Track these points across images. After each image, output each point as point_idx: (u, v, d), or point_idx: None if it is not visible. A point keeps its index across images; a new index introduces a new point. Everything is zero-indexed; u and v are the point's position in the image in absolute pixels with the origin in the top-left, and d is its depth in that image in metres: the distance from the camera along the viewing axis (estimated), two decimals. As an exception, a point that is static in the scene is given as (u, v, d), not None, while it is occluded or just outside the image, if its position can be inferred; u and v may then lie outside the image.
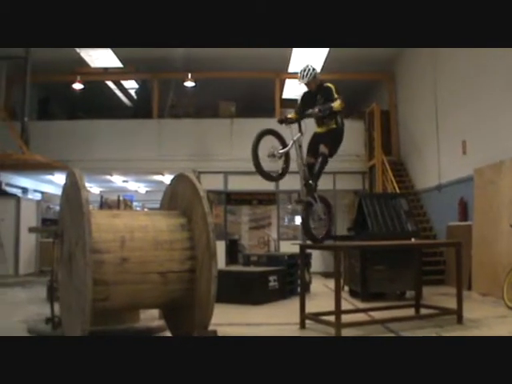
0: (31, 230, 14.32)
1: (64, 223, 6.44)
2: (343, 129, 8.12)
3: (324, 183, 18.66)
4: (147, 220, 6.28)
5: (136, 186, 26.32)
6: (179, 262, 6.06)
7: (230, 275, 10.50)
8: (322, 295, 11.58)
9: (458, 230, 13.11)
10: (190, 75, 18.24)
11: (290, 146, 7.69)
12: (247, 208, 21.52)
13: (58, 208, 21.10)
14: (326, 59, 18.75)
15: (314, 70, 7.99)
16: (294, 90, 21.63)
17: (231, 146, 18.30)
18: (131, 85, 21.58)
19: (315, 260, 13.90)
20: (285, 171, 7.94)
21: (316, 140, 8.11)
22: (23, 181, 21.98)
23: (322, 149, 7.89)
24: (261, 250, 19.80)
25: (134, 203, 26.73)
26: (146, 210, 25.89)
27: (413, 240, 10.66)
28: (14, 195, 18.77)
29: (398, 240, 9.93)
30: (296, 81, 7.96)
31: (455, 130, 14.08)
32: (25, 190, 22.16)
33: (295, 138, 7.75)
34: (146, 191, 27.64)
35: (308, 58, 18.68)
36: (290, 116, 8.12)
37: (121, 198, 21.43)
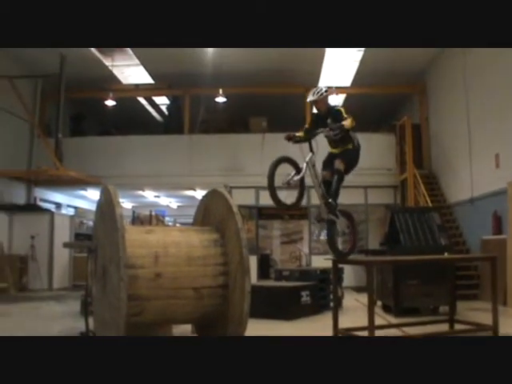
0: (66, 245, 14.49)
1: (98, 239, 6.51)
2: (359, 150, 8.18)
3: (355, 197, 18.92)
4: (180, 236, 6.32)
5: (167, 201, 26.48)
6: (212, 278, 6.08)
7: (262, 290, 10.48)
8: (354, 310, 11.51)
9: (493, 243, 12.94)
10: (220, 91, 18.36)
11: (304, 169, 7.62)
12: (279, 223, 21.52)
13: (90, 223, 21.48)
14: (357, 73, 18.75)
15: (326, 91, 7.82)
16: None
17: (262, 161, 18.23)
18: (162, 101, 21.80)
19: (347, 274, 13.83)
20: (299, 199, 7.91)
21: (331, 157, 8.14)
22: (57, 196, 22.28)
23: (338, 165, 7.92)
24: (292, 264, 19.75)
25: (166, 218, 26.87)
26: (177, 225, 26.04)
27: (446, 254, 10.55)
28: (48, 210, 19.01)
29: (430, 254, 9.83)
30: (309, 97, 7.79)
31: (488, 143, 13.94)
32: (58, 206, 22.46)
33: (307, 159, 7.72)
34: (178, 206, 27.78)
35: (338, 72, 18.74)
36: (297, 134, 8.11)
37: (153, 213, 21.57)
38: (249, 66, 18.33)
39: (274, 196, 7.41)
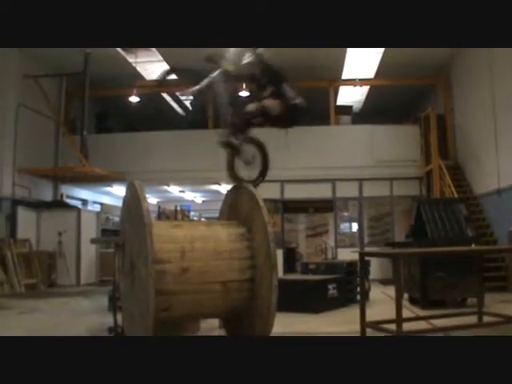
0: (93, 241, 14.62)
1: (125, 234, 6.56)
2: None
3: (380, 189, 18.83)
4: (207, 230, 6.35)
5: (192, 196, 26.55)
6: (239, 272, 6.10)
7: (288, 284, 10.47)
8: (381, 303, 11.45)
9: (521, 234, 12.83)
10: (244, 85, 18.34)
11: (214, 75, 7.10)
12: (304, 216, 21.51)
13: (116, 219, 21.63)
14: (380, 65, 18.64)
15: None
16: (348, 97, 21.60)
17: (287, 155, 18.31)
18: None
19: (373, 267, 13.77)
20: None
21: None
22: (83, 193, 22.45)
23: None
24: (318, 257, 19.72)
25: (191, 213, 26.96)
26: (203, 219, 26.12)
27: (473, 246, 10.46)
28: (74, 207, 19.19)
29: (457, 246, 9.76)
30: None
31: (515, 133, 13.81)
32: (84, 202, 22.63)
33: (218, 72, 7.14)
34: (203, 201, 27.84)
35: (361, 65, 18.65)
36: None
37: (178, 208, 21.65)
38: (271, 60, 18.25)
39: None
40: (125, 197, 6.67)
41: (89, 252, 17.53)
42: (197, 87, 7.05)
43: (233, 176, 7.32)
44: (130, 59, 18.08)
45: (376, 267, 16.26)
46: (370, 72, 19.49)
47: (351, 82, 20.10)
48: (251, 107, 7.14)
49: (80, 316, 10.14)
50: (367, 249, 18.12)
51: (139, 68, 18.44)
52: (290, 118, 7.37)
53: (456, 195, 15.90)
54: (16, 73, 17.10)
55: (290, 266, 19.03)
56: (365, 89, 21.29)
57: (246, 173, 7.25)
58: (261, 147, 7.57)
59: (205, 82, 7.04)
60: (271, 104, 7.16)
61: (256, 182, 7.30)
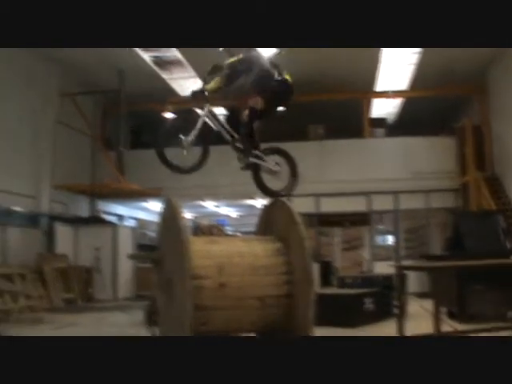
0: (130, 256, 14.78)
1: (162, 250, 6.61)
2: (281, 81, 7.45)
3: (416, 202, 18.65)
4: (244, 245, 6.36)
5: (227, 211, 26.64)
6: (276, 287, 6.09)
7: (325, 298, 10.43)
8: (418, 317, 11.31)
9: (561, 247, 12.58)
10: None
11: (198, 125, 6.98)
12: (339, 229, 21.41)
13: (152, 234, 21.75)
14: (413, 76, 18.54)
15: None
16: (381, 109, 21.49)
17: (321, 168, 18.32)
18: (220, 111, 21.95)
19: (410, 280, 13.63)
20: (201, 161, 7.17)
21: None
22: (119, 208, 22.70)
23: (254, 103, 7.25)
24: (354, 271, 19.59)
25: (227, 227, 27.03)
26: (238, 234, 26.15)
27: (512, 258, 10.31)
28: (111, 223, 19.40)
29: (495, 259, 9.61)
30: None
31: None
32: (120, 217, 22.86)
33: (204, 112, 7.09)
34: (238, 215, 27.91)
35: (394, 76, 18.57)
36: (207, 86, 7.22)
37: (214, 223, 21.73)
38: (305, 73, 18.28)
39: (163, 159, 6.92)
40: (161, 213, 6.73)
41: (125, 267, 17.67)
42: (192, 133, 6.96)
43: (266, 192, 7.35)
44: (164, 75, 18.28)
45: (413, 280, 16.06)
46: (403, 83, 19.39)
47: (385, 94, 20.02)
48: (242, 118, 7.29)
49: (118, 330, 10.21)
50: (403, 262, 17.94)
51: (173, 84, 18.62)
52: (279, 98, 7.54)
53: (494, 207, 15.69)
54: (53, 91, 17.42)
55: (325, 280, 18.94)
56: (398, 100, 21.18)
57: (280, 183, 7.30)
58: (281, 152, 7.63)
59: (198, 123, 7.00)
60: (253, 102, 7.19)
61: (290, 188, 7.36)
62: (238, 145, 7.16)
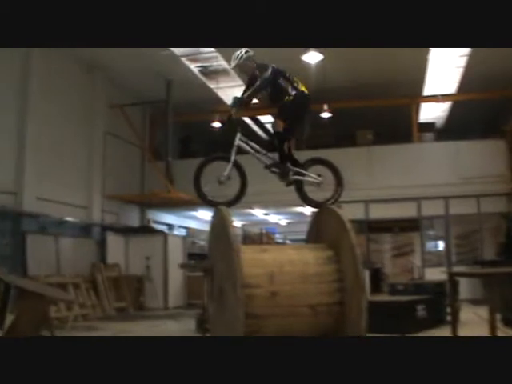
0: (182, 266, 14.94)
1: (213, 259, 6.66)
2: (299, 98, 7.23)
3: (467, 207, 18.34)
4: (295, 254, 6.36)
5: (277, 218, 26.65)
6: (328, 295, 6.07)
7: (376, 305, 10.33)
8: (472, 324, 11.10)
9: None
10: (325, 106, 18.36)
11: (232, 158, 7.00)
12: (389, 236, 21.21)
13: (202, 243, 21.89)
14: (462, 79, 18.30)
15: (246, 52, 7.17)
16: (430, 113, 21.26)
17: (370, 174, 18.18)
18: (268, 119, 22.01)
19: (462, 286, 13.40)
20: (239, 194, 7.25)
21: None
22: (169, 217, 22.94)
23: (274, 127, 7.30)
24: (404, 277, 19.38)
25: (276, 235, 27.05)
26: (288, 241, 26.15)
27: None
28: (161, 232, 19.58)
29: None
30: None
31: None
32: (170, 227, 23.09)
33: (236, 142, 7.12)
34: (287, 223, 27.89)
35: (442, 80, 18.36)
36: (233, 112, 7.17)
37: (263, 231, 21.77)
38: (352, 79, 18.25)
39: (203, 198, 7.02)
40: (212, 222, 6.78)
41: (176, 276, 17.84)
42: (228, 168, 7.03)
43: (311, 205, 7.42)
44: (211, 85, 18.43)
45: (465, 286, 15.81)
46: (451, 87, 19.15)
47: (433, 98, 19.78)
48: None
49: (170, 339, 10.29)
50: (455, 268, 17.67)
51: (220, 93, 18.75)
52: (297, 112, 7.32)
53: (548, 211, 15.35)
54: (102, 103, 17.75)
55: (376, 287, 18.78)
56: (447, 104, 20.91)
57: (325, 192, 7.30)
58: (323, 162, 7.60)
59: (232, 156, 7.03)
60: (276, 126, 7.27)
61: (336, 197, 7.34)
62: (274, 169, 7.25)
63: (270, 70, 7.05)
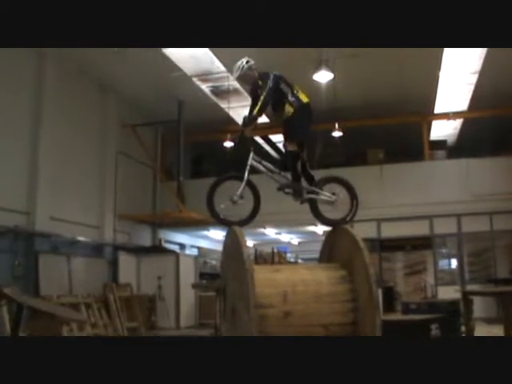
0: (194, 286, 14.91)
1: (226, 279, 6.64)
2: (303, 109, 7.15)
3: (479, 224, 18.24)
4: (308, 273, 6.33)
5: (289, 238, 26.61)
6: (341, 315, 6.04)
7: (389, 324, 10.25)
8: (487, 343, 11.00)
9: None
10: (336, 125, 18.37)
11: (245, 178, 6.97)
12: (401, 254, 21.11)
13: (214, 262, 21.87)
14: (473, 96, 18.30)
15: (247, 62, 7.14)
16: (441, 131, 21.24)
17: (382, 193, 18.15)
18: (279, 139, 22.04)
19: (476, 305, 13.27)
20: (252, 214, 7.21)
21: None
22: (180, 237, 22.95)
23: (286, 147, 7.25)
24: (417, 296, 19.26)
25: (288, 254, 26.98)
26: (300, 261, 26.07)
27: None
28: (173, 251, 19.58)
29: None
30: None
31: None
32: (182, 246, 23.10)
33: (249, 162, 7.10)
34: (299, 242, 27.84)
35: (453, 97, 18.37)
36: (247, 130, 7.18)
37: (275, 250, 21.72)
38: (362, 98, 18.28)
39: (216, 217, 7.01)
40: (225, 242, 6.78)
41: (188, 295, 17.80)
42: (241, 188, 7.00)
43: (326, 223, 7.35)
44: (223, 105, 18.51)
45: (479, 305, 15.68)
46: (462, 104, 19.15)
47: (444, 115, 19.78)
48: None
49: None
50: (468, 286, 17.55)
51: (232, 113, 18.82)
52: (303, 125, 7.26)
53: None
54: (115, 122, 17.87)
55: (389, 306, 18.67)
56: (458, 122, 20.89)
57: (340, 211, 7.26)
58: (337, 180, 7.52)
59: (245, 176, 7.02)
60: (287, 146, 7.22)
61: (351, 214, 7.26)
62: (287, 190, 7.19)
63: (271, 78, 7.01)
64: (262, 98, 6.96)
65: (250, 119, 7.04)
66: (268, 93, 6.93)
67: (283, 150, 7.45)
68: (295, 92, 7.14)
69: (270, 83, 6.96)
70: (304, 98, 7.18)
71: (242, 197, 6.94)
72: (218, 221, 7.04)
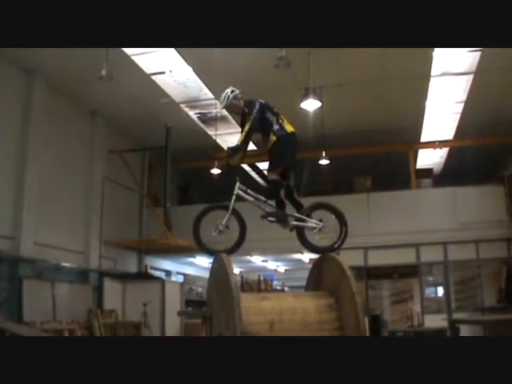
0: (180, 313, 14.76)
1: (212, 306, 6.61)
2: (286, 136, 7.21)
3: (466, 252, 18.26)
4: (295, 301, 6.32)
5: (275, 265, 26.55)
6: (329, 343, 6.01)
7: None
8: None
9: None
10: (323, 153, 18.42)
11: (230, 208, 7.05)
12: (388, 282, 21.08)
13: (200, 289, 21.71)
14: (459, 126, 18.46)
15: (232, 91, 7.24)
16: (427, 159, 21.38)
17: (369, 221, 18.16)
18: (265, 166, 22.07)
19: (463, 333, 13.29)
20: (238, 243, 7.24)
21: None
22: (166, 264, 22.83)
23: (268, 176, 7.36)
24: (404, 324, 19.20)
25: (275, 282, 26.90)
26: (286, 288, 26.00)
27: None
28: (158, 278, 19.43)
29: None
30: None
31: None
32: (168, 273, 22.96)
33: (235, 192, 7.17)
34: (285, 270, 27.78)
35: (439, 126, 18.53)
36: (233, 159, 7.30)
37: (261, 278, 21.66)
38: (349, 126, 18.38)
39: (202, 246, 7.11)
40: (211, 269, 6.75)
41: (173, 322, 17.62)
42: (226, 217, 7.10)
43: (314, 251, 7.37)
44: (210, 132, 18.55)
45: (466, 333, 15.69)
46: (448, 133, 19.31)
47: (431, 144, 19.92)
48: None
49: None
50: (455, 314, 17.54)
51: (219, 140, 18.85)
52: (288, 154, 7.35)
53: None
54: (102, 148, 17.82)
55: (375, 334, 18.58)
56: (444, 150, 21.04)
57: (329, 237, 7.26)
58: (324, 206, 7.56)
59: (231, 205, 7.12)
60: (269, 175, 7.31)
61: (340, 240, 7.29)
62: (270, 219, 7.22)
63: (257, 107, 7.07)
64: (246, 127, 6.99)
65: (234, 150, 7.06)
66: (253, 122, 6.97)
67: (269, 178, 7.44)
68: (280, 121, 7.18)
69: (254, 112, 7.00)
70: (289, 128, 7.21)
71: (227, 226, 6.94)
72: (204, 250, 7.04)
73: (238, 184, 7.21)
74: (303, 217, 7.19)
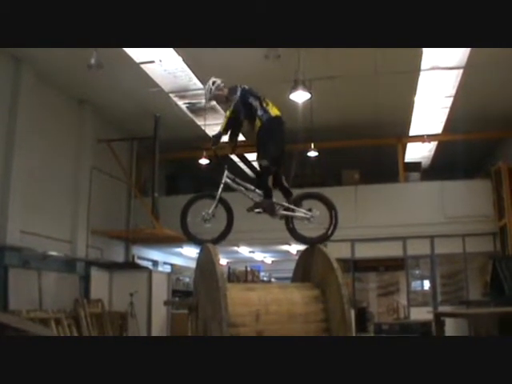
0: (166, 303, 14.73)
1: (198, 296, 6.60)
2: (270, 120, 7.14)
3: (453, 246, 18.34)
4: (281, 293, 6.32)
5: (262, 256, 26.56)
6: (314, 334, 6.02)
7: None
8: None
9: None
10: (312, 145, 18.41)
11: (218, 195, 7.06)
12: (374, 275, 21.15)
13: (187, 279, 21.71)
14: (447, 120, 18.50)
15: (214, 83, 7.23)
16: (416, 153, 21.42)
17: (356, 214, 18.18)
18: (254, 157, 22.03)
19: (448, 326, 13.33)
20: (226, 231, 7.25)
21: None
22: (154, 253, 22.79)
23: (257, 161, 7.33)
24: (390, 317, 19.30)
25: (261, 273, 26.94)
26: (273, 280, 26.04)
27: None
28: (146, 268, 19.42)
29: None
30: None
31: None
32: (155, 263, 22.92)
33: (222, 180, 7.18)
34: (272, 261, 27.80)
35: (428, 120, 18.56)
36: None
37: (248, 269, 21.67)
38: (338, 119, 18.38)
39: (188, 235, 7.11)
40: (198, 259, 6.74)
41: (160, 312, 17.61)
42: (213, 206, 7.11)
43: (302, 241, 7.33)
44: (199, 122, 18.50)
45: (451, 326, 15.76)
46: (437, 127, 19.35)
47: (419, 138, 19.95)
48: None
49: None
50: (441, 307, 17.63)
51: (208, 130, 18.80)
52: (275, 140, 7.25)
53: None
54: (90, 137, 17.72)
55: (361, 327, 18.66)
56: (433, 144, 21.08)
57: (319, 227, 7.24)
58: (313, 195, 7.55)
59: (218, 194, 7.14)
60: (262, 161, 7.23)
61: (328, 233, 7.25)
62: (257, 210, 7.17)
63: (238, 93, 7.05)
64: (226, 113, 6.99)
65: (216, 137, 7.05)
66: (234, 107, 6.94)
67: (257, 165, 7.41)
68: (264, 105, 7.12)
69: (235, 98, 6.97)
70: (274, 112, 7.15)
71: (213, 215, 6.92)
72: (191, 239, 7.02)
73: (226, 172, 7.20)
74: (292, 206, 7.15)
